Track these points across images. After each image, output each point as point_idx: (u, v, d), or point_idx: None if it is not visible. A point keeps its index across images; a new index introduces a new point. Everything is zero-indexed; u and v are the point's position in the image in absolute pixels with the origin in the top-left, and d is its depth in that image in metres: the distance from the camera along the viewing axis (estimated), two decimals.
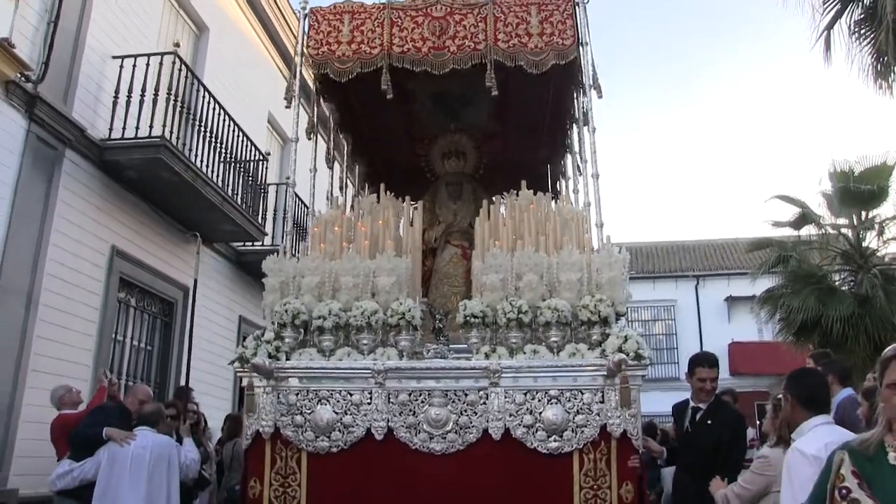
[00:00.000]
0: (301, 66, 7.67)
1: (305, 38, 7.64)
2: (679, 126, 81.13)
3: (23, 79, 8.79)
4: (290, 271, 6.71)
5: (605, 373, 5.96)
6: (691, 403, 6.65)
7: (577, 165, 8.30)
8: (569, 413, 5.99)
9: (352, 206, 7.95)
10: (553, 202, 7.74)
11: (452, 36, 7.42)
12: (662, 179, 78.67)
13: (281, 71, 16.86)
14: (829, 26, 12.25)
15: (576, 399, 6.02)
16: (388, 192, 7.90)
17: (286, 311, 6.42)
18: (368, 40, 7.49)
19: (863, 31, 11.81)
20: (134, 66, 10.49)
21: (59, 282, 9.45)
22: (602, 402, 6.00)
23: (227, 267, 14.37)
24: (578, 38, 7.38)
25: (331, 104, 8.53)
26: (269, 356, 6.23)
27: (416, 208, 7.76)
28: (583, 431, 5.96)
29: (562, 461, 5.95)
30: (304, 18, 7.72)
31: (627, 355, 5.90)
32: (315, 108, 8.17)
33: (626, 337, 6.10)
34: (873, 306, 15.16)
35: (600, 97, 7.42)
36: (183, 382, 11.03)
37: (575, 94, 7.98)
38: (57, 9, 9.41)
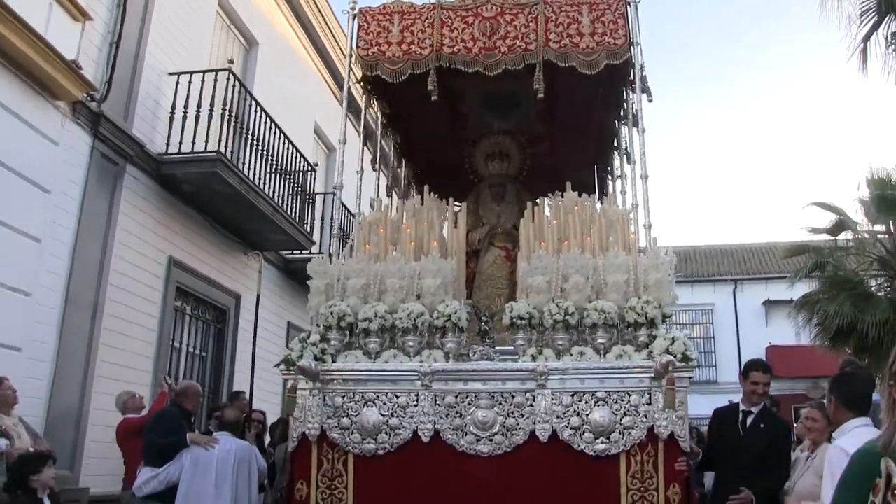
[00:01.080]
0: (350, 66, 7.66)
1: (355, 38, 7.65)
2: (717, 128, 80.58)
3: (88, 98, 9.14)
4: (335, 273, 6.73)
5: (653, 374, 5.91)
6: (742, 407, 6.57)
7: (623, 167, 8.26)
8: (616, 415, 5.95)
9: (396, 209, 7.94)
10: (598, 204, 7.67)
11: (503, 36, 7.39)
12: (701, 182, 78.15)
13: (326, 82, 17.30)
14: (866, 38, 12.30)
15: (623, 401, 5.98)
16: (432, 194, 7.88)
17: (331, 313, 6.43)
18: (419, 41, 7.47)
19: None
20: (190, 82, 10.84)
21: (121, 292, 9.84)
22: (649, 403, 5.95)
23: (275, 275, 14.74)
24: (630, 38, 7.33)
25: (378, 106, 8.51)
26: (315, 358, 6.25)
27: (459, 210, 7.75)
28: (630, 433, 5.92)
29: (609, 463, 5.91)
30: (353, 19, 7.72)
31: (675, 357, 5.85)
32: (364, 113, 8.17)
33: (673, 339, 6.05)
34: None
35: (650, 100, 7.38)
36: (235, 387, 11.90)
37: (624, 95, 7.90)
38: (119, 29, 9.82)
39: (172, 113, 10.81)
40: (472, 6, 7.55)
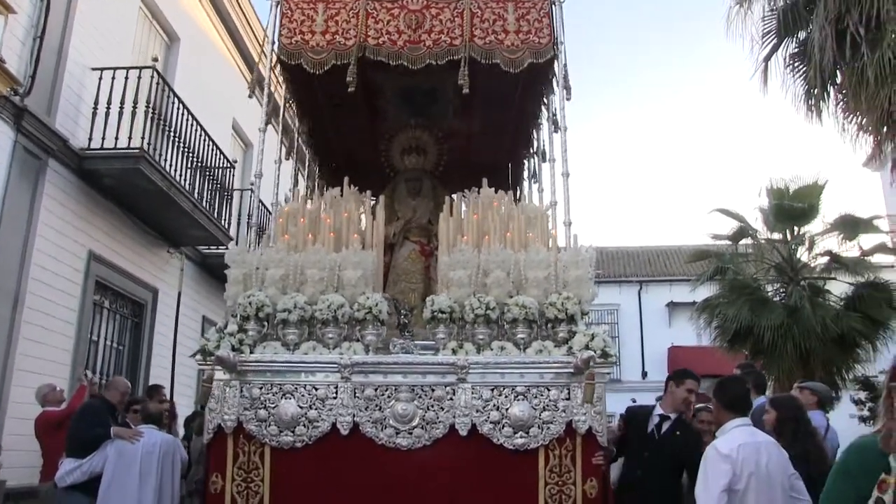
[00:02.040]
0: (272, 54, 7.49)
1: (278, 26, 7.48)
2: (623, 129, 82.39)
3: (12, 93, 9.19)
4: (254, 263, 6.59)
5: (572, 370, 5.98)
6: (659, 411, 6.61)
7: (540, 164, 8.32)
8: (535, 409, 6.00)
9: (311, 200, 7.82)
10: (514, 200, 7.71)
11: (428, 30, 7.33)
12: (607, 183, 79.53)
13: (245, 78, 16.98)
14: (767, 58, 12.84)
15: (542, 396, 6.04)
16: (352, 186, 7.80)
17: (250, 303, 6.29)
18: (343, 31, 7.34)
19: (796, 65, 12.43)
20: (113, 78, 10.94)
21: (41, 285, 9.96)
22: (568, 398, 6.02)
23: (192, 269, 14.91)
24: (554, 38, 7.37)
25: (294, 96, 8.37)
26: (233, 349, 6.11)
27: (376, 202, 7.68)
28: (549, 428, 5.98)
29: (528, 457, 5.97)
30: (277, 6, 7.53)
31: (594, 353, 5.94)
32: (283, 99, 8.04)
33: (592, 335, 6.15)
34: (801, 317, 15.88)
35: (569, 99, 7.40)
36: (152, 380, 12.05)
37: (544, 94, 7.95)
38: (43, 23, 9.89)
39: (95, 108, 10.82)
40: None
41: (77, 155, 10.67)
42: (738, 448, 4.67)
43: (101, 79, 10.93)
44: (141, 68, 11.35)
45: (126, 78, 11.02)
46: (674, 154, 79.20)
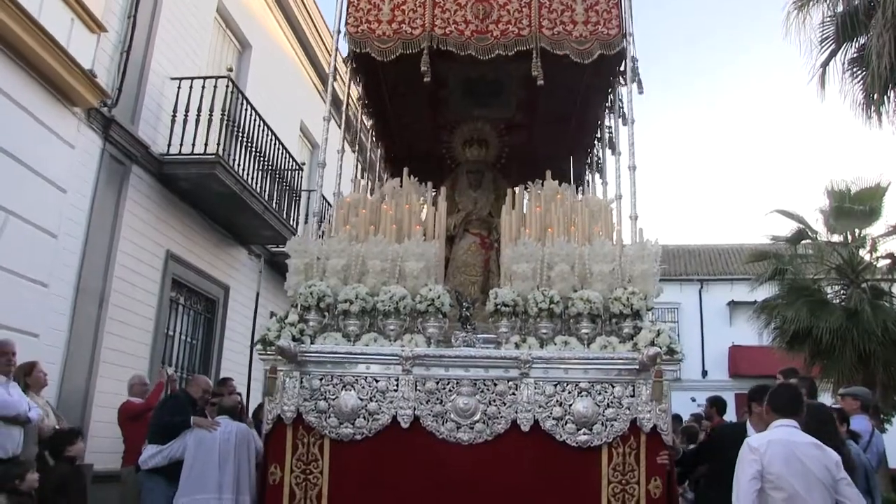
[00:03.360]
0: (337, 44, 7.45)
1: (345, 14, 7.42)
2: (683, 127, 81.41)
3: (102, 105, 9.73)
4: (315, 253, 6.56)
5: (637, 366, 5.86)
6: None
7: (605, 157, 8.19)
8: (599, 406, 5.90)
9: (372, 191, 7.76)
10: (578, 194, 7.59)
11: (496, 20, 7.24)
12: (669, 181, 78.76)
13: (313, 82, 18.02)
14: (825, 63, 12.83)
15: (606, 392, 5.94)
16: (411, 177, 7.74)
17: (311, 293, 6.27)
18: (410, 20, 7.28)
19: (855, 70, 12.40)
20: (191, 87, 11.45)
21: (124, 283, 10.51)
22: (633, 395, 5.91)
23: (260, 266, 15.42)
24: (623, 29, 7.24)
25: (359, 86, 8.32)
26: (293, 339, 6.08)
27: (437, 193, 7.60)
28: (612, 425, 5.87)
29: (590, 455, 5.87)
30: None
31: (661, 349, 5.81)
32: (347, 93, 7.98)
33: (658, 331, 6.02)
34: (860, 319, 15.76)
35: (641, 92, 7.24)
36: (222, 372, 12.56)
37: (612, 86, 7.81)
38: (129, 39, 10.52)
39: (174, 116, 11.35)
40: None
41: (157, 160, 11.21)
42: (767, 443, 4.81)
43: (179, 88, 11.45)
44: (217, 78, 11.79)
45: (203, 87, 11.47)
46: (735, 153, 78.16)
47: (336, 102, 7.88)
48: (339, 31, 7.48)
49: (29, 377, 7.25)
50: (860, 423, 6.75)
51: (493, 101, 8.80)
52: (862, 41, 12.16)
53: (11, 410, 6.43)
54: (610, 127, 8.19)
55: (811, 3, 12.38)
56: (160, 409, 7.85)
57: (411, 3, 7.35)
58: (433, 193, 7.60)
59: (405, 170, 7.77)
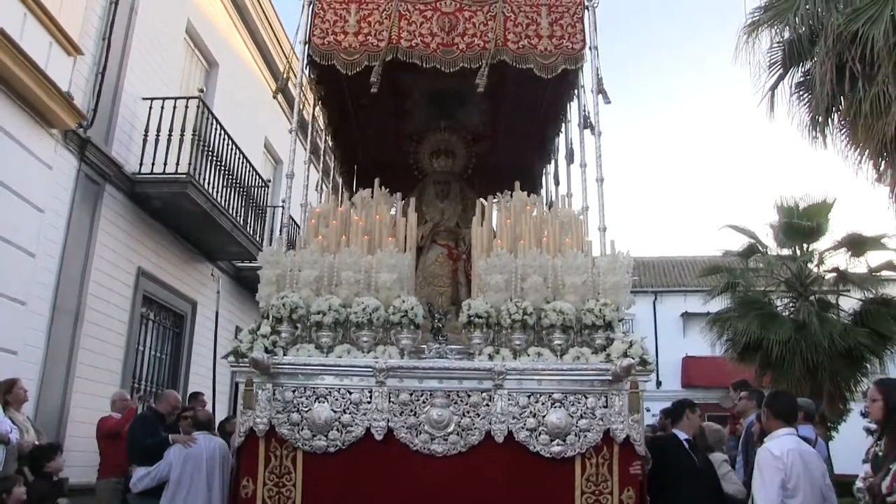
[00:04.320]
0: (304, 55, 7.41)
1: (311, 26, 7.39)
2: (635, 139, 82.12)
3: (79, 126, 9.95)
4: (288, 264, 6.51)
5: (611, 377, 5.91)
6: (685, 436, 6.79)
7: (570, 169, 8.24)
8: (572, 417, 5.94)
9: (339, 202, 7.71)
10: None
11: (462, 33, 7.27)
12: (620, 193, 79.35)
13: (276, 99, 17.80)
14: (773, 87, 13.13)
15: (580, 403, 5.97)
16: (382, 188, 7.71)
17: (283, 304, 6.20)
18: (376, 32, 7.27)
19: (801, 94, 12.79)
20: (162, 107, 11.72)
21: (98, 300, 10.73)
22: (606, 406, 5.96)
23: (227, 282, 15.64)
24: (587, 43, 7.31)
25: (321, 98, 8.29)
26: (266, 351, 6.02)
27: (405, 203, 7.59)
28: (586, 436, 5.92)
29: (564, 465, 5.90)
30: (309, 6, 7.45)
31: (634, 360, 5.86)
32: (314, 107, 8.01)
33: (630, 342, 6.08)
34: (809, 332, 16.15)
35: (607, 102, 7.30)
36: (191, 386, 13.05)
37: (576, 98, 7.87)
38: (104, 61, 10.77)
39: (146, 135, 11.62)
40: (431, 0, 7.40)
41: (130, 179, 11.44)
42: (787, 452, 5.19)
43: (151, 107, 11.69)
44: (188, 98, 12.06)
45: (174, 107, 11.74)
46: (686, 166, 78.89)
47: (301, 116, 7.86)
48: (306, 42, 7.42)
49: (9, 394, 7.48)
50: (805, 431, 7.06)
51: (459, 113, 8.84)
52: (808, 66, 12.58)
53: None
54: (572, 139, 8.25)
55: (760, 29, 12.69)
56: (132, 430, 8.09)
57: (377, 16, 7.35)
58: (402, 203, 7.60)
59: (376, 180, 7.75)
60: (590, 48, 7.34)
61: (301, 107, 7.86)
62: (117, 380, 11.22)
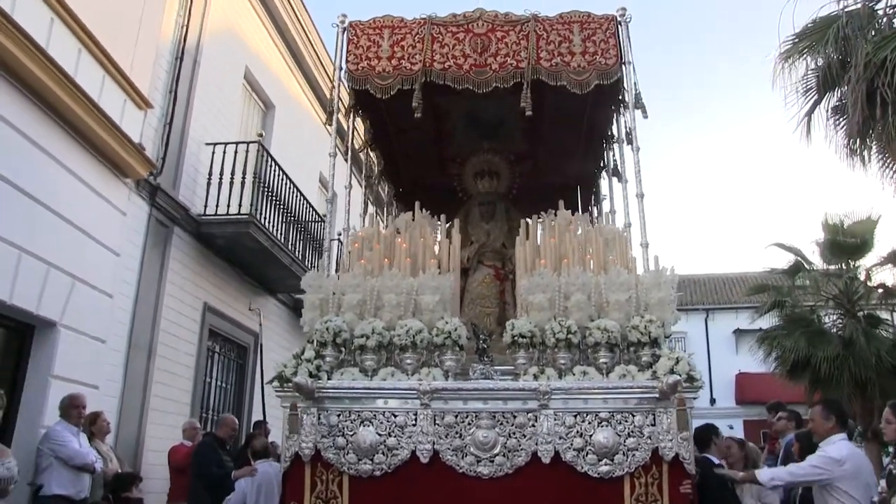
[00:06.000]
0: (339, 80, 7.50)
1: (344, 52, 7.50)
2: (684, 158, 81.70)
3: (150, 175, 10.64)
4: (331, 288, 6.55)
5: (657, 395, 5.81)
6: (716, 461, 6.97)
7: (612, 186, 8.20)
8: (620, 436, 5.84)
9: (385, 225, 7.75)
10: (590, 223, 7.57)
11: (494, 53, 7.29)
12: (667, 210, 78.91)
13: (329, 133, 18.05)
14: (809, 112, 13.16)
15: (627, 422, 5.88)
16: (423, 210, 7.73)
17: (327, 328, 6.25)
18: (409, 56, 7.34)
19: (837, 119, 12.84)
20: (224, 151, 12.44)
21: (168, 336, 11.44)
22: (653, 424, 5.86)
23: (287, 313, 16.57)
24: (621, 58, 7.27)
25: (363, 122, 8.36)
26: (310, 375, 6.04)
27: (450, 225, 7.59)
28: (634, 455, 5.81)
29: (613, 485, 5.80)
30: (343, 32, 7.55)
31: (681, 377, 5.76)
32: (351, 133, 8.06)
33: (677, 359, 5.97)
34: (856, 348, 16.17)
35: (645, 117, 7.26)
36: (254, 413, 13.70)
37: (615, 114, 7.84)
38: (171, 112, 11.60)
39: (209, 178, 12.38)
40: (463, 22, 7.45)
41: (196, 221, 12.18)
42: (848, 456, 5.89)
43: (213, 152, 12.43)
44: (249, 143, 12.80)
45: (236, 151, 12.46)
46: (733, 186, 78.42)
47: (345, 140, 7.96)
48: (340, 68, 7.52)
49: (94, 426, 8.27)
50: None
51: (498, 133, 8.80)
52: (842, 91, 12.63)
53: (81, 460, 7.43)
54: (614, 156, 8.20)
55: (796, 57, 12.77)
56: (196, 461, 8.78)
57: (410, 39, 7.42)
58: (446, 226, 7.60)
59: (416, 203, 7.76)
60: (623, 63, 7.30)
61: (351, 135, 8.00)
62: (186, 410, 11.83)
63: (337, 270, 7.20)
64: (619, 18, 7.43)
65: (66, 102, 8.24)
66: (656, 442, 5.82)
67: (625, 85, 7.38)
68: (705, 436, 7.11)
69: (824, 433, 6.17)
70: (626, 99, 7.42)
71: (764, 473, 6.38)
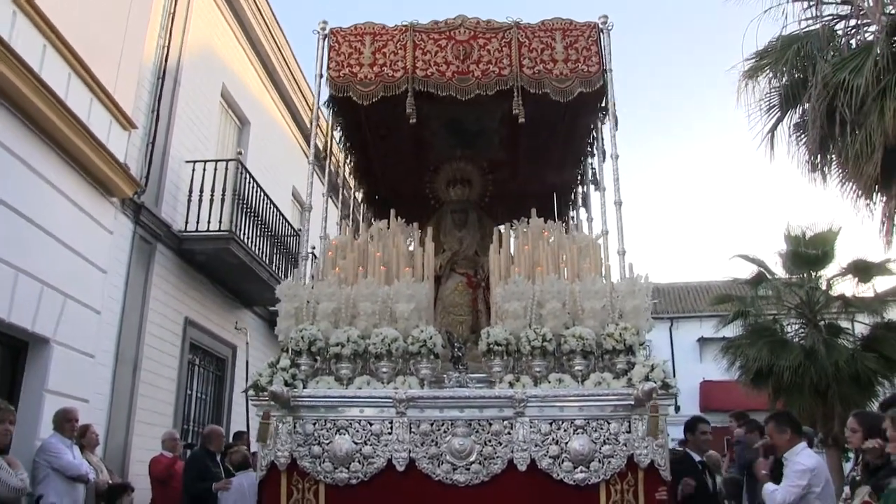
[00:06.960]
0: (319, 88, 7.48)
1: (325, 59, 7.46)
2: (646, 167, 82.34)
3: (134, 194, 10.98)
4: (305, 296, 6.51)
5: (633, 402, 5.83)
6: (697, 458, 7.31)
7: (589, 193, 8.23)
8: (595, 443, 5.85)
9: (357, 233, 7.70)
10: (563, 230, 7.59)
11: (476, 60, 7.29)
12: (638, 221, 79.54)
13: (302, 148, 19.41)
14: (773, 129, 13.65)
15: (602, 429, 5.89)
16: (398, 218, 7.71)
17: (302, 337, 6.21)
18: (391, 63, 7.31)
19: (799, 135, 13.33)
20: (204, 169, 12.93)
21: (152, 350, 11.88)
22: (629, 431, 5.88)
23: (263, 325, 16.98)
24: (603, 65, 7.30)
25: (340, 129, 8.33)
26: (286, 384, 6.00)
27: (422, 233, 7.57)
28: (609, 462, 5.83)
29: (588, 493, 5.80)
30: (324, 39, 7.52)
31: (656, 384, 5.79)
32: (329, 142, 8.09)
33: (652, 366, 6.00)
34: (817, 357, 16.55)
35: (615, 129, 7.28)
36: (232, 424, 14.10)
37: (593, 122, 7.87)
38: (153, 132, 12.05)
39: (190, 196, 12.78)
40: (445, 29, 7.43)
41: (177, 237, 12.58)
42: (818, 464, 6.34)
43: (193, 170, 12.86)
44: (228, 161, 13.26)
45: (215, 168, 12.95)
46: (699, 196, 79.24)
47: (319, 152, 7.96)
48: (320, 76, 7.50)
49: (84, 438, 8.59)
50: None
51: (477, 141, 8.78)
52: (803, 108, 13.06)
53: (76, 471, 7.80)
54: (593, 163, 8.22)
55: (758, 74, 13.23)
56: (187, 474, 9.28)
57: (392, 46, 7.39)
58: (419, 234, 7.58)
59: (392, 211, 7.74)
60: (605, 71, 7.33)
61: (328, 145, 8.00)
62: (169, 422, 12.21)
63: (312, 279, 7.16)
64: (601, 26, 7.45)
65: (58, 125, 8.54)
66: (632, 449, 5.83)
67: (608, 93, 7.39)
68: (691, 425, 7.86)
69: (785, 445, 6.42)
70: (608, 106, 7.43)
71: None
